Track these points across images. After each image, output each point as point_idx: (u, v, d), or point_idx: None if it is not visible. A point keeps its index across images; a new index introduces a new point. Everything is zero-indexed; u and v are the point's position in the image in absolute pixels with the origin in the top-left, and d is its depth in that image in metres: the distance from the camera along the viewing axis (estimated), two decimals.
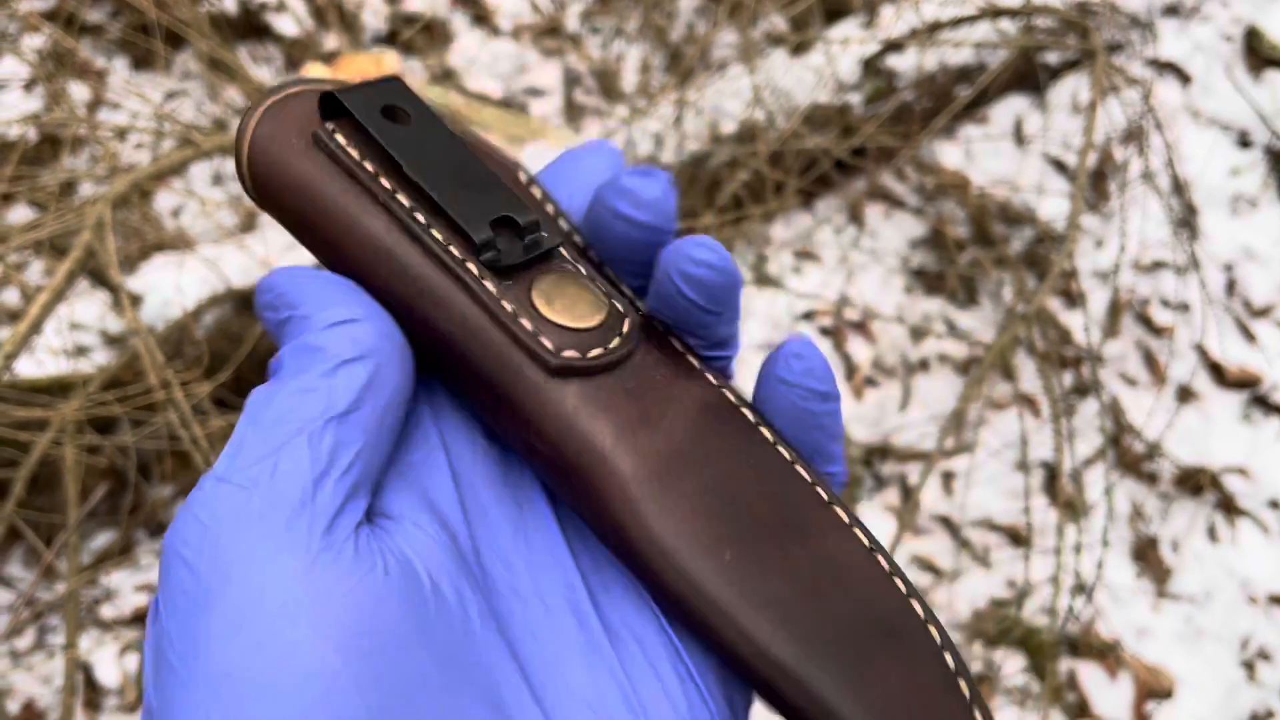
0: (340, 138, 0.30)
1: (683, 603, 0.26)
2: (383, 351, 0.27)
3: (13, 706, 1.24)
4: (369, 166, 0.29)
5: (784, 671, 0.25)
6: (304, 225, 0.30)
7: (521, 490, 0.29)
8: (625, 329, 0.29)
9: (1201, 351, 1.57)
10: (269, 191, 0.30)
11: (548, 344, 0.28)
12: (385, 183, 0.29)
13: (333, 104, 0.30)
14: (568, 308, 0.28)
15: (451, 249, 0.28)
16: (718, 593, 0.25)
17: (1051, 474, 1.44)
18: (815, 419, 0.29)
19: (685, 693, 0.26)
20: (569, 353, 0.28)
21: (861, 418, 1.53)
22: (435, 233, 0.28)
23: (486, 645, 0.25)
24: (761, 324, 1.58)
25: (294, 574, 0.23)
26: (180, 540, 0.24)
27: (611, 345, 0.28)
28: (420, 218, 0.29)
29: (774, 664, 0.25)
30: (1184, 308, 1.59)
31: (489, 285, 0.28)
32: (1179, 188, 1.52)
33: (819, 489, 0.28)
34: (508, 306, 0.28)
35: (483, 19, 1.84)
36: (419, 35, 1.76)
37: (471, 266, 0.28)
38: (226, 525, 0.23)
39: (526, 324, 0.28)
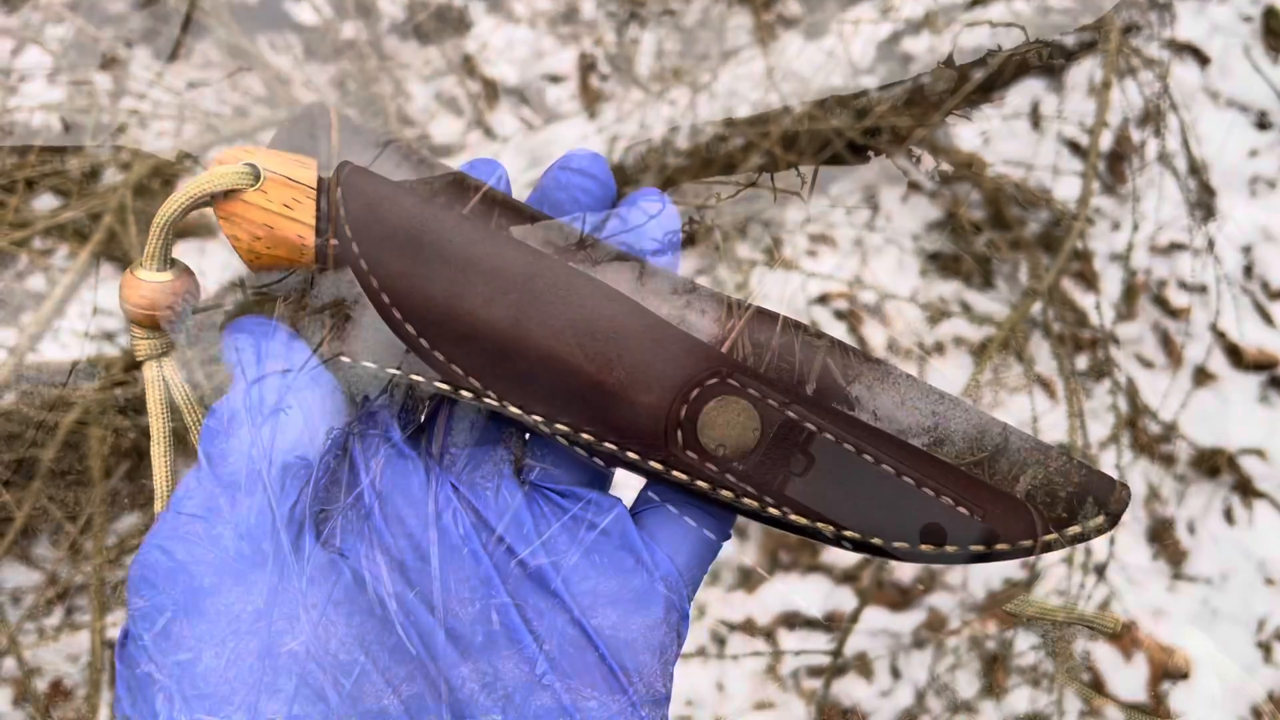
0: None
1: None
2: (310, 398, 0.29)
3: (40, 684, 1.26)
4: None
5: None
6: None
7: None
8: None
9: (1218, 333, 1.56)
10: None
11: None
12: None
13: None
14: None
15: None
16: None
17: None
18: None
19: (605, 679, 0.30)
20: None
21: None
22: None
23: (440, 657, 0.28)
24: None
25: (269, 586, 0.27)
26: (149, 570, 0.28)
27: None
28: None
29: None
30: (1201, 289, 1.59)
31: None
32: (1196, 169, 1.51)
33: None
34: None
35: (499, 4, 1.85)
36: (433, 21, 1.77)
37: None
38: (196, 552, 0.26)
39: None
